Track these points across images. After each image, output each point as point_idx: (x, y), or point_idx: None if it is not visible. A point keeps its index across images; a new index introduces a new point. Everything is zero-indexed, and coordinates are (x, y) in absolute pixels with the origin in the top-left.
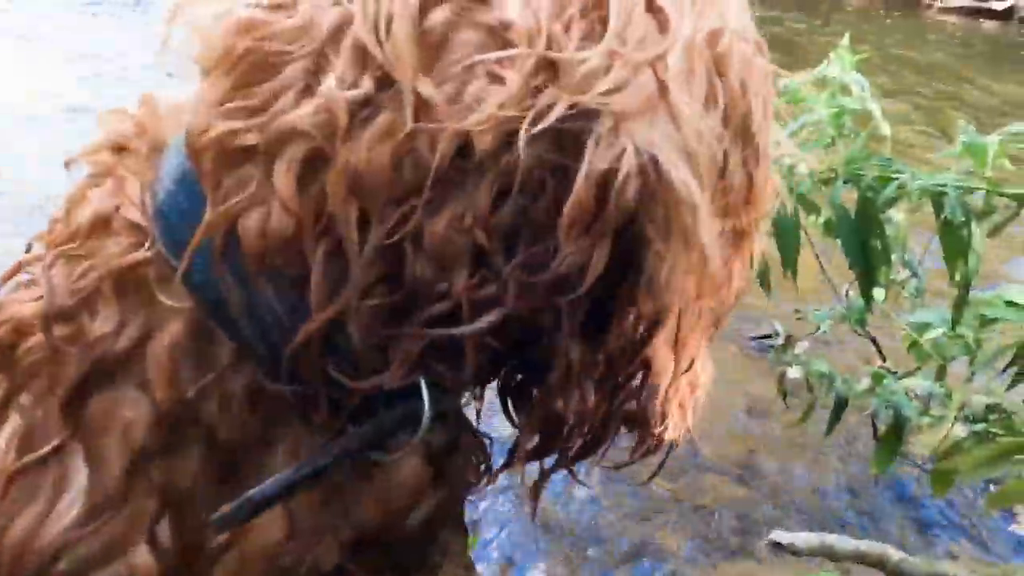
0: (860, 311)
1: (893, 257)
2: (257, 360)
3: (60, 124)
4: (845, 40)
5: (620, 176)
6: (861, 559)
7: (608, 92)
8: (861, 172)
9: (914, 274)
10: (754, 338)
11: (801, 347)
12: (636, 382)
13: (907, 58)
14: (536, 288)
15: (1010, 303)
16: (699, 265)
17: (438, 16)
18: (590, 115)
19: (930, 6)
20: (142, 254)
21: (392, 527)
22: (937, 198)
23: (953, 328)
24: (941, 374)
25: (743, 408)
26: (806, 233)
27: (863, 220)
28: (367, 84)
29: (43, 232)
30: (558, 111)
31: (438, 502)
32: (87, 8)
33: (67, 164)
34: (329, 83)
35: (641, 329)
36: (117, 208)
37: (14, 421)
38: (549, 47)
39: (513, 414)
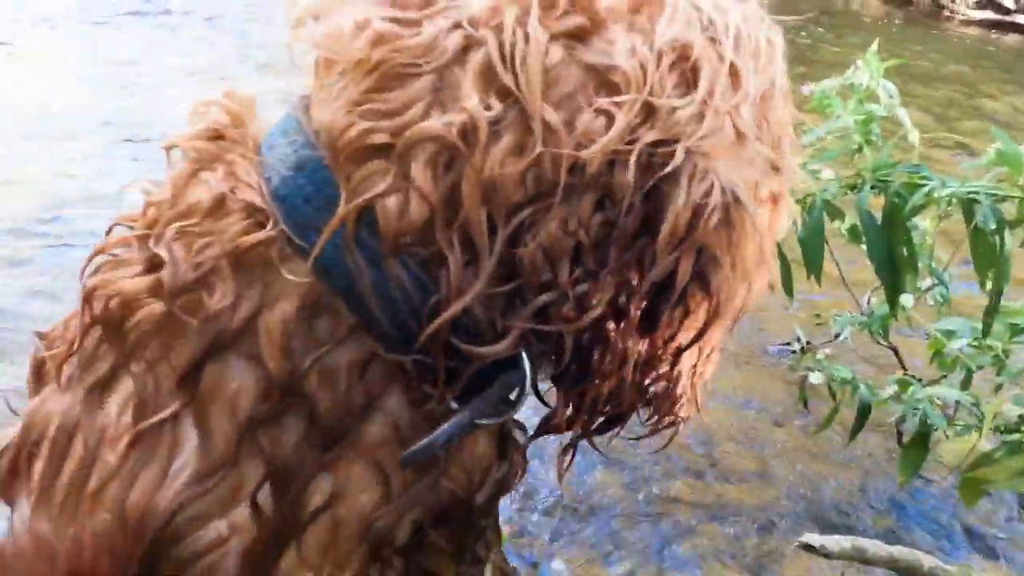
0: (883, 319)
1: (919, 265)
2: (379, 334)
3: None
4: (873, 47)
5: (709, 207)
6: (893, 564)
7: (702, 137)
8: (889, 179)
9: (940, 282)
10: (776, 346)
11: (822, 353)
12: (667, 369)
13: (926, 70)
14: (632, 289)
15: None
16: (750, 284)
17: (555, 54)
18: (684, 152)
19: (951, 18)
20: (264, 234)
21: (466, 500)
22: (968, 206)
23: (984, 337)
24: (967, 383)
25: (763, 415)
26: (827, 242)
27: (890, 227)
28: (497, 105)
29: (127, 215)
30: (658, 148)
31: (498, 481)
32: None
33: (168, 149)
34: (474, 101)
35: (684, 327)
36: (232, 190)
37: (124, 388)
38: (651, 93)
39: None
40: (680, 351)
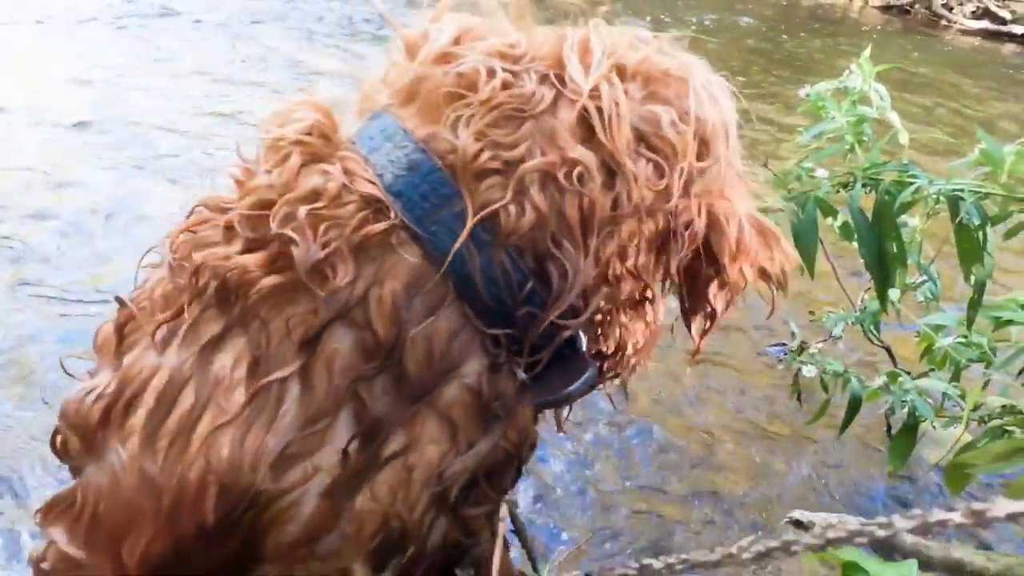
0: (875, 314)
1: (909, 261)
2: (479, 308)
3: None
4: (866, 53)
5: (744, 229)
6: (876, 541)
7: (727, 189)
8: (879, 177)
9: (929, 278)
10: (771, 346)
11: (816, 347)
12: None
13: (922, 77)
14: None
15: None
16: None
17: (627, 118)
18: (714, 192)
19: (948, 27)
20: (388, 223)
21: (515, 458)
22: (953, 203)
23: (969, 329)
24: (956, 376)
25: (758, 407)
26: (821, 242)
27: (880, 223)
28: (589, 157)
29: (213, 198)
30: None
31: (532, 442)
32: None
33: (275, 140)
34: (582, 151)
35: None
36: (350, 183)
37: (236, 346)
38: (688, 154)
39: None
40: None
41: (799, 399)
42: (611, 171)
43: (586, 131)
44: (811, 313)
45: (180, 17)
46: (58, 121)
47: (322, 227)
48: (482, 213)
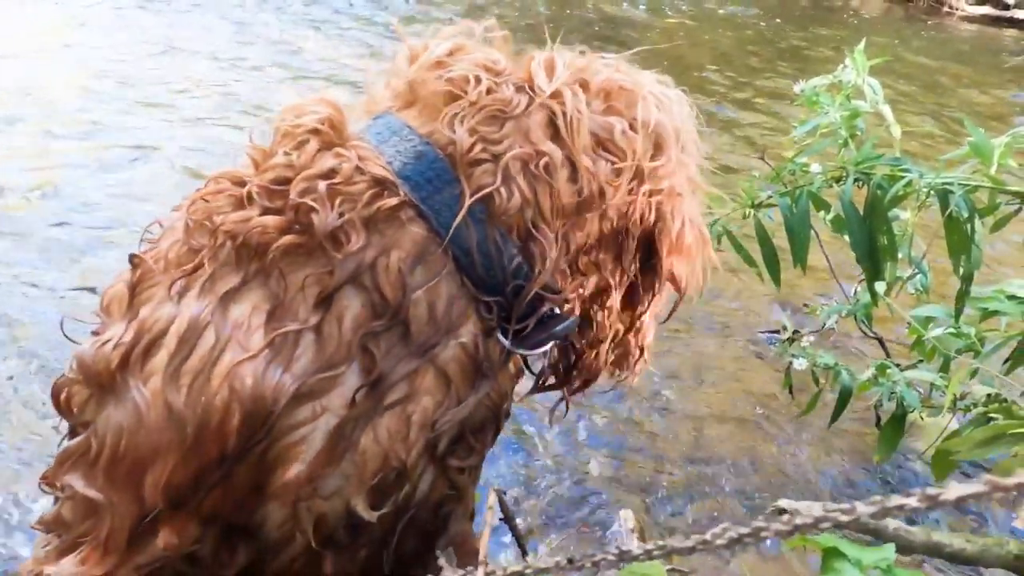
0: (866, 307)
1: (900, 254)
2: (474, 278)
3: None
4: (860, 46)
5: (687, 231)
6: (861, 526)
7: (676, 187)
8: (871, 171)
9: (920, 271)
10: (763, 332)
11: (807, 341)
12: (631, 337)
13: (923, 65)
14: (621, 279)
15: (1012, 297)
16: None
17: (586, 122)
18: (663, 191)
19: (951, 14)
20: (397, 200)
21: (497, 414)
22: (943, 195)
23: (956, 320)
24: (945, 366)
25: (750, 399)
26: (816, 234)
27: (872, 217)
28: (556, 152)
29: (230, 172)
30: (651, 197)
31: (507, 408)
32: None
33: (291, 132)
34: (550, 146)
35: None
36: (359, 167)
37: (255, 295)
38: (640, 157)
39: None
40: (642, 323)
41: (791, 391)
42: (574, 166)
43: (554, 131)
44: (805, 305)
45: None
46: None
47: (338, 199)
48: (479, 193)
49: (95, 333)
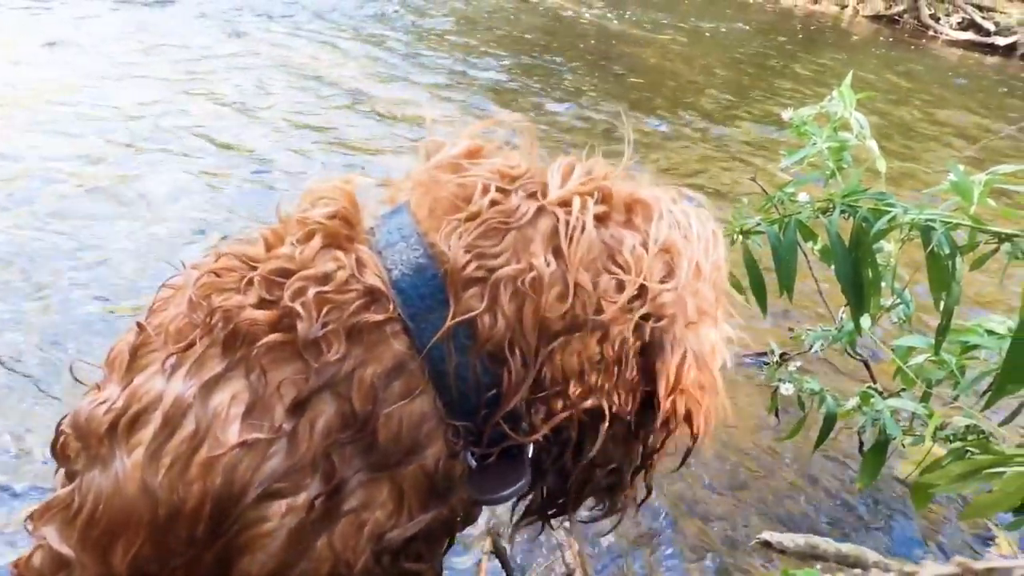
0: (850, 334)
1: (883, 284)
2: (447, 401)
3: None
4: (847, 80)
5: (687, 367)
6: (842, 560)
7: (684, 317)
8: (857, 204)
9: (902, 302)
10: (748, 355)
11: (794, 365)
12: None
13: (906, 88)
14: (621, 408)
15: (990, 332)
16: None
17: (591, 234)
18: (667, 318)
19: (935, 38)
20: (385, 315)
21: (450, 529)
22: (926, 231)
23: (936, 353)
24: (926, 396)
25: (737, 422)
26: (807, 258)
27: (857, 249)
28: (553, 262)
29: (240, 251)
30: (647, 321)
31: (472, 518)
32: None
33: (303, 220)
34: (540, 258)
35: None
36: (359, 273)
37: (234, 386)
38: (645, 278)
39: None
40: (644, 461)
41: (776, 415)
42: (567, 282)
43: (556, 242)
44: (790, 330)
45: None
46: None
47: (326, 308)
48: (463, 317)
49: (97, 387)
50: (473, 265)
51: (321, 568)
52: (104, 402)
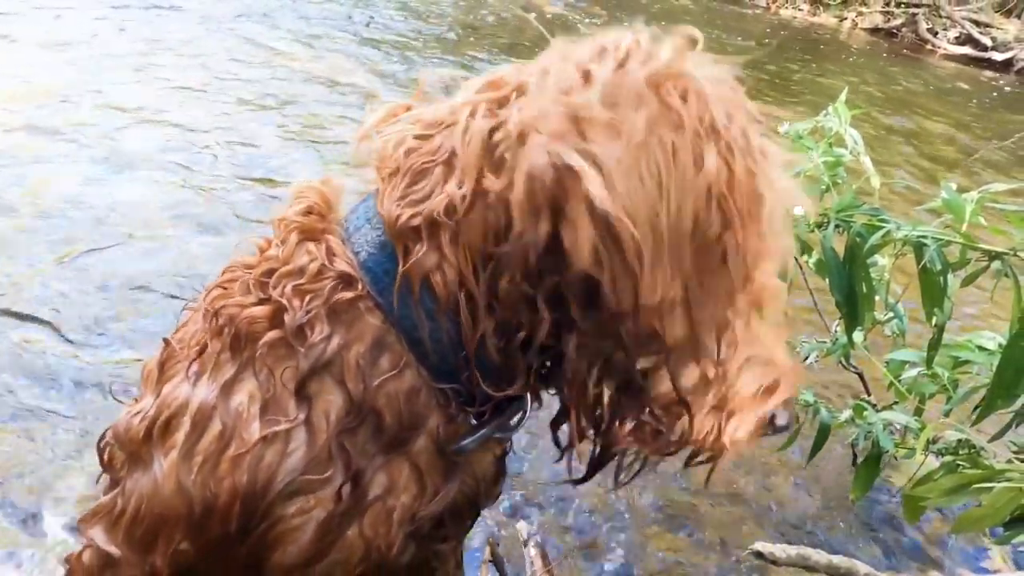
0: (845, 347)
1: (877, 298)
2: (429, 367)
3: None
4: (842, 96)
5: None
6: (833, 571)
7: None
8: (851, 219)
9: (896, 315)
10: None
11: None
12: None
13: (905, 101)
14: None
15: (981, 348)
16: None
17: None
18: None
19: (933, 52)
20: (355, 293)
21: (474, 502)
22: (918, 248)
23: (929, 367)
24: (920, 409)
25: None
26: (802, 270)
27: (850, 263)
28: (467, 185)
29: (242, 261)
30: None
31: (494, 492)
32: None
33: (281, 222)
34: (451, 185)
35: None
36: (330, 262)
37: (249, 386)
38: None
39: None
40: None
41: None
42: (469, 196)
43: (489, 162)
44: (787, 342)
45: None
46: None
47: (307, 298)
48: (419, 277)
49: (135, 400)
50: (406, 215)
51: (353, 556)
52: (139, 412)
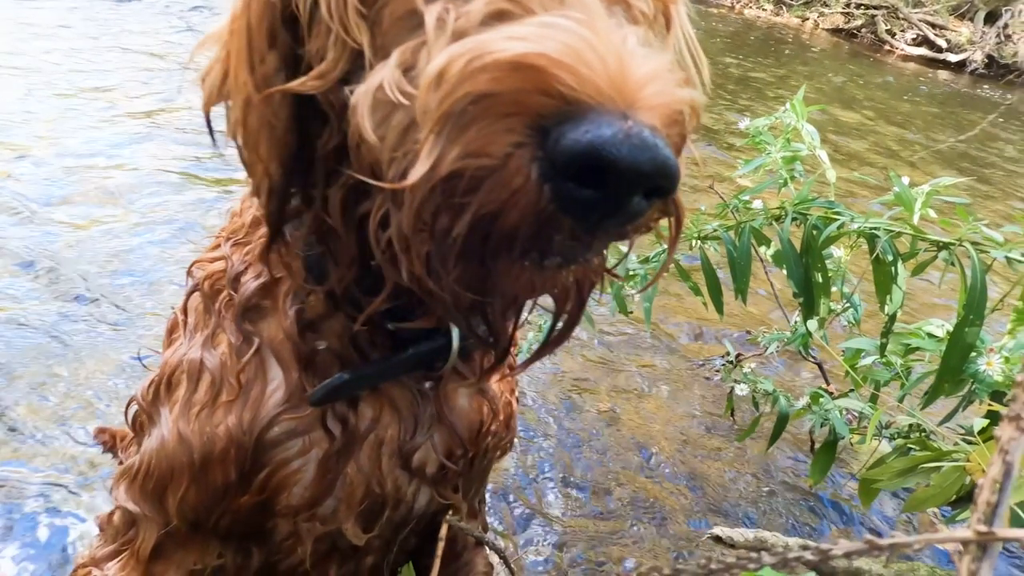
0: (804, 336)
1: (834, 289)
2: (327, 294)
3: None
4: (800, 93)
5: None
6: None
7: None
8: (807, 212)
9: (852, 305)
10: (708, 357)
11: (749, 367)
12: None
13: (864, 99)
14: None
15: (930, 335)
16: None
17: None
18: None
19: (891, 52)
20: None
21: (464, 445)
22: (871, 239)
23: (882, 354)
24: (875, 396)
25: (694, 422)
26: (763, 262)
27: (807, 254)
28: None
29: (227, 227)
30: None
31: (492, 440)
32: None
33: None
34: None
35: None
36: (255, 218)
37: (223, 340)
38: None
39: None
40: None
41: (732, 414)
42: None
43: None
44: (748, 332)
45: None
46: None
47: (245, 248)
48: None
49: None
50: None
51: (355, 492)
52: (152, 378)
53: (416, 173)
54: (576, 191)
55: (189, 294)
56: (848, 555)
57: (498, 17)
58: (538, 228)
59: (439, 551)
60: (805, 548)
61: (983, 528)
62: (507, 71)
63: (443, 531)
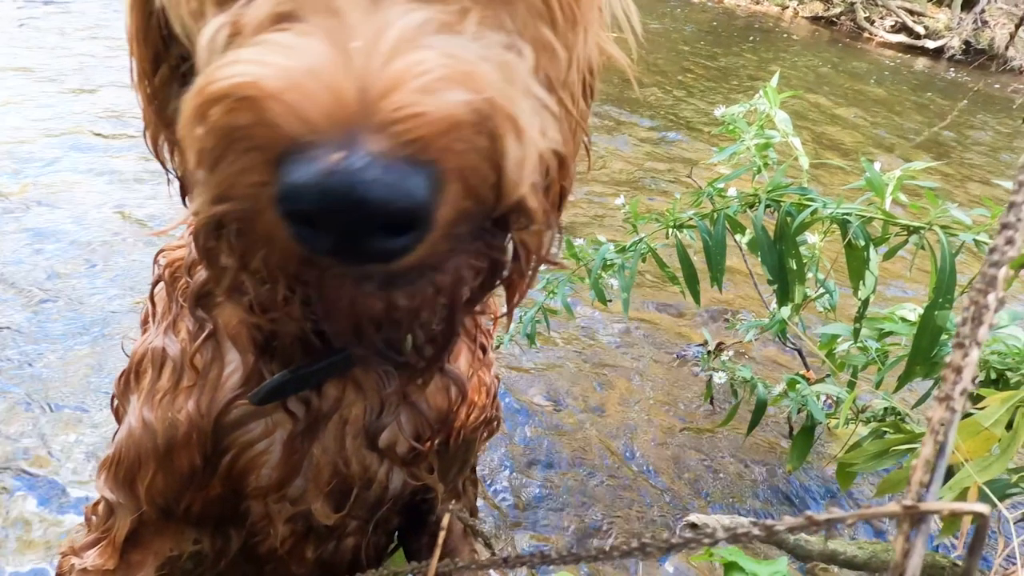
0: (781, 323)
1: (809, 275)
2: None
3: None
4: (774, 80)
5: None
6: (767, 536)
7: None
8: (781, 199)
9: (827, 291)
10: (688, 345)
11: (727, 355)
12: None
13: (841, 85)
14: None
15: (904, 319)
16: None
17: None
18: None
19: (870, 39)
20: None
21: (432, 428)
22: (843, 224)
23: (856, 339)
24: (852, 382)
25: (675, 409)
26: (741, 250)
27: (781, 241)
28: None
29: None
30: None
31: (475, 421)
32: None
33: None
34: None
35: None
36: None
37: (182, 328)
38: None
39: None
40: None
41: (711, 402)
42: None
43: None
44: (725, 320)
45: None
46: None
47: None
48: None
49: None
50: None
51: (322, 472)
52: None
53: (193, 218)
54: (310, 235)
55: (155, 283)
56: (791, 529)
57: (278, 20)
58: (308, 264)
59: (440, 540)
60: (754, 524)
61: (909, 502)
62: (233, 103)
63: (445, 520)
